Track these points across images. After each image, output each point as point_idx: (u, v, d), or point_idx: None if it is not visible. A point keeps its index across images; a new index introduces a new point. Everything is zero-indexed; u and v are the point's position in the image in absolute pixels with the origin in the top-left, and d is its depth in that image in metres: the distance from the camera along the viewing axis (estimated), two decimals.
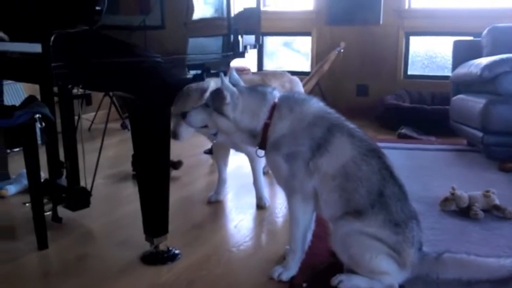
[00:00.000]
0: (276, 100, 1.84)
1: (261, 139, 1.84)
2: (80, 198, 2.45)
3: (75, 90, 2.59)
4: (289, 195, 1.84)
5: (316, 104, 1.84)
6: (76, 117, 2.54)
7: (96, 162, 2.49)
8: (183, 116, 1.92)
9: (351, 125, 1.81)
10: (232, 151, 2.86)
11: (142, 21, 1.89)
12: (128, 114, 2.01)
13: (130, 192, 2.96)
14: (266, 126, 1.81)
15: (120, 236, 2.30)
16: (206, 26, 2.33)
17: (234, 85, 1.85)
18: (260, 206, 2.70)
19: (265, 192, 2.77)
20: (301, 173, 1.75)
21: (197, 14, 2.25)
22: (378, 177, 1.72)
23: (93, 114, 4.91)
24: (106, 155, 2.51)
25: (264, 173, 2.95)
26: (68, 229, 2.38)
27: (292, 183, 1.79)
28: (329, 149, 1.73)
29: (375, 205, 1.69)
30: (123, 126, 4.95)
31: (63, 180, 2.57)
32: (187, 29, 2.14)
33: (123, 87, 1.92)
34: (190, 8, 2.18)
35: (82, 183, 2.55)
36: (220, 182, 2.83)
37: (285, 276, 1.86)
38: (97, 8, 1.66)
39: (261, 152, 1.89)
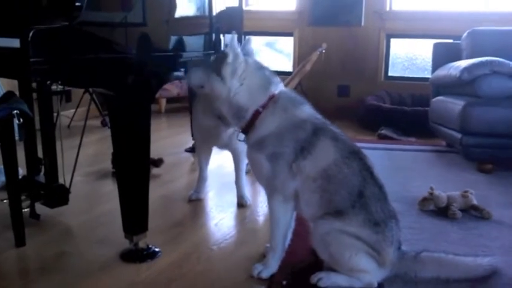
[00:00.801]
0: (277, 93, 1.81)
1: (246, 124, 1.81)
2: (59, 196, 2.43)
3: (54, 87, 2.56)
4: (270, 194, 1.84)
5: (308, 110, 1.83)
6: (55, 114, 2.51)
7: (75, 159, 2.47)
8: (185, 73, 1.91)
9: (335, 130, 1.81)
10: (214, 149, 2.85)
11: (124, 18, 1.88)
12: (107, 111, 1.98)
13: (110, 189, 2.93)
14: (257, 113, 1.79)
15: (99, 234, 2.28)
16: (188, 24, 2.33)
17: (246, 55, 1.80)
18: (241, 204, 2.70)
19: (247, 190, 2.77)
20: (283, 173, 1.75)
21: (179, 12, 2.25)
22: (358, 178, 1.73)
23: (72, 111, 4.85)
24: (85, 153, 2.49)
25: (247, 172, 2.95)
26: (46, 226, 2.35)
27: (274, 183, 1.79)
28: (313, 152, 1.73)
29: (355, 205, 1.70)
30: (103, 124, 4.91)
31: (42, 177, 2.53)
32: (169, 26, 2.14)
33: (103, 84, 1.91)
34: (172, 6, 2.18)
35: (61, 181, 2.52)
36: (201, 180, 2.82)
37: (265, 274, 1.86)
38: (77, 3, 1.65)
39: (242, 136, 1.88)
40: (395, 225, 1.77)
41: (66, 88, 2.39)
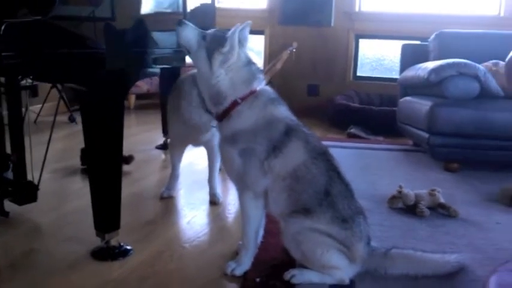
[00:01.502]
0: (258, 89, 1.80)
1: (222, 111, 1.80)
2: (27, 193, 2.38)
3: (23, 81, 2.50)
4: (241, 191, 1.85)
5: (285, 111, 1.83)
6: (23, 109, 2.46)
7: (44, 155, 2.42)
8: (179, 23, 1.83)
9: (307, 131, 1.83)
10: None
11: (95, 12, 1.85)
12: (79, 106, 1.95)
13: (79, 187, 2.89)
14: (235, 103, 1.78)
15: (69, 231, 2.25)
16: (161, 20, 2.30)
17: (240, 42, 1.77)
18: (213, 202, 2.69)
19: (219, 188, 2.77)
20: (254, 170, 1.76)
21: (152, 7, 2.22)
22: (325, 178, 1.76)
23: (39, 106, 4.75)
24: (53, 149, 2.44)
25: (219, 170, 2.95)
26: (14, 224, 2.30)
27: (245, 179, 1.80)
28: (284, 152, 1.74)
29: (322, 203, 1.73)
30: (71, 119, 4.83)
31: (9, 174, 2.47)
32: (141, 22, 2.11)
33: (75, 79, 1.88)
34: (144, 1, 2.15)
35: (29, 177, 2.47)
36: (173, 178, 2.81)
37: (238, 271, 1.86)
38: None
39: (214, 122, 1.87)
40: (363, 220, 1.80)
41: (34, 83, 2.33)
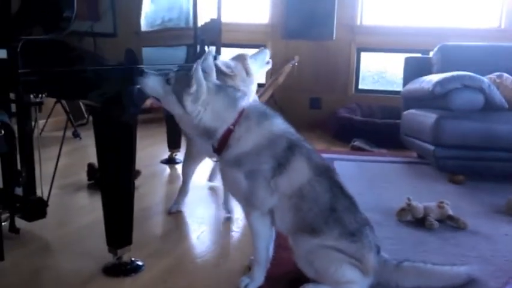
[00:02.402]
0: (246, 107, 1.77)
1: (218, 143, 1.77)
2: (37, 209, 2.37)
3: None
4: (248, 211, 1.84)
5: (282, 124, 1.81)
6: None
7: (54, 171, 2.43)
8: (142, 74, 1.80)
9: (309, 146, 1.82)
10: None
11: (113, 30, 1.86)
12: (93, 122, 1.95)
13: (87, 202, 2.89)
14: (228, 132, 1.74)
15: (80, 248, 2.25)
16: (174, 36, 2.33)
17: (204, 72, 1.74)
18: (228, 218, 2.68)
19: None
20: (262, 191, 1.75)
21: (166, 24, 2.24)
22: (329, 195, 1.75)
23: (43, 121, 4.76)
24: (59, 164, 2.45)
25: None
26: (24, 240, 2.29)
27: (252, 200, 1.78)
28: (288, 168, 1.73)
29: (328, 221, 1.73)
30: (75, 135, 4.83)
31: (18, 190, 2.47)
32: (156, 38, 2.13)
33: (90, 96, 1.88)
34: (159, 18, 2.18)
35: (38, 193, 2.46)
36: (183, 193, 2.80)
37: (252, 287, 1.86)
38: (65, 15, 1.63)
39: (214, 156, 1.84)
40: (370, 231, 1.80)
41: (42, 98, 2.34)
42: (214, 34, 3.21)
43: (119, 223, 1.98)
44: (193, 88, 1.70)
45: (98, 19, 1.86)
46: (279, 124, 1.80)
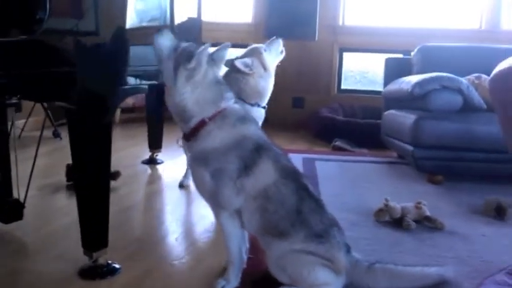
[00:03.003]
0: (227, 108, 1.78)
1: (190, 131, 1.77)
2: (13, 210, 2.35)
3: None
4: (216, 210, 1.85)
5: (255, 129, 1.83)
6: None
7: (30, 172, 2.40)
8: (160, 31, 1.78)
9: (278, 150, 1.83)
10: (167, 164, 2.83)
11: (80, 29, 1.84)
12: (67, 124, 1.93)
13: (65, 203, 2.86)
14: (202, 123, 1.75)
15: (56, 250, 2.22)
16: (147, 34, 2.29)
17: (212, 60, 1.75)
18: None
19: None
20: (227, 190, 1.75)
21: (138, 22, 2.21)
22: (295, 197, 1.76)
23: (23, 121, 4.71)
24: (38, 165, 2.41)
25: (182, 186, 2.98)
26: (0, 243, 2.27)
27: (218, 199, 1.79)
28: (255, 170, 1.74)
29: (295, 223, 1.73)
30: (55, 135, 4.79)
31: None
32: (129, 39, 2.10)
33: (63, 97, 1.86)
34: (132, 18, 2.15)
35: (14, 194, 2.44)
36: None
37: None
38: (38, 17, 1.61)
39: (181, 142, 1.85)
40: (338, 231, 1.79)
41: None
42: (195, 33, 3.20)
43: (94, 226, 1.96)
44: (191, 65, 1.70)
45: (69, 18, 1.83)
46: (252, 129, 1.81)
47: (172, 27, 2.43)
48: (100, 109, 1.89)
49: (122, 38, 2.03)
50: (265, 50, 2.61)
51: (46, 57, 1.71)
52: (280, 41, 2.67)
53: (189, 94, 1.74)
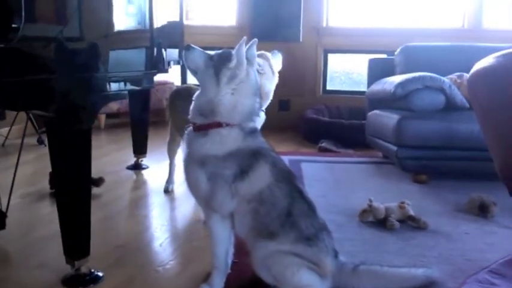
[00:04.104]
0: (248, 130, 1.78)
1: (204, 125, 1.75)
2: None
3: None
4: (208, 213, 1.85)
5: (260, 142, 1.82)
6: None
7: (12, 181, 2.38)
8: (187, 48, 1.79)
9: (275, 155, 1.83)
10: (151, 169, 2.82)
11: (59, 37, 1.82)
12: (46, 132, 1.92)
13: (48, 211, 2.83)
14: (218, 124, 1.73)
15: (39, 259, 2.20)
16: (126, 39, 2.29)
17: (247, 60, 1.74)
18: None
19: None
20: (222, 194, 1.75)
21: (116, 26, 2.19)
22: (288, 200, 1.76)
23: (7, 129, 4.66)
24: (22, 172, 2.39)
25: (166, 191, 3.01)
26: None
27: (212, 202, 1.79)
28: (250, 175, 1.74)
29: (285, 225, 1.74)
30: (40, 142, 4.75)
31: None
32: (108, 45, 2.09)
33: (41, 106, 1.85)
34: (110, 23, 2.13)
35: None
36: (172, 171, 3.20)
37: None
38: (13, 25, 1.60)
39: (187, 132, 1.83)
40: (327, 236, 1.80)
41: None
42: (177, 36, 3.20)
43: (76, 234, 1.94)
44: (233, 63, 1.70)
45: (46, 25, 1.81)
46: (258, 141, 1.81)
47: (151, 31, 2.42)
48: (79, 116, 1.88)
49: (101, 44, 2.01)
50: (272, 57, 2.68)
51: (23, 65, 1.69)
52: (280, 55, 2.73)
53: (228, 96, 1.73)
